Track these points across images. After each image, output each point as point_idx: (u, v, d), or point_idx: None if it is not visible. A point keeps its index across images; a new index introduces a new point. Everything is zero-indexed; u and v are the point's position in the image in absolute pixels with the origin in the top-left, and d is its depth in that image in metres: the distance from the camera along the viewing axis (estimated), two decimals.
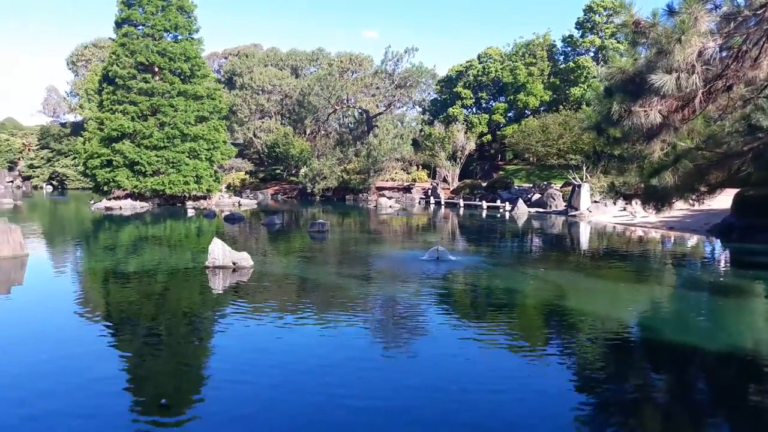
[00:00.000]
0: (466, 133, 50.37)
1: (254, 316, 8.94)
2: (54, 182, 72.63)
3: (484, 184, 45.52)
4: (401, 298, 10.43)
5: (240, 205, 38.41)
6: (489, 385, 6.11)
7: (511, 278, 12.62)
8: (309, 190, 48.44)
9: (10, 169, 76.03)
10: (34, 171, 74.26)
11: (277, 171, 56.15)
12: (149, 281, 12.05)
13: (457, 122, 51.95)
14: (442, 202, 42.41)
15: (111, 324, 8.73)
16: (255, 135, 59.14)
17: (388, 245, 19.28)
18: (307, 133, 61.35)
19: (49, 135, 73.57)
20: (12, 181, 74.20)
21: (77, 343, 7.60)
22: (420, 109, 63.84)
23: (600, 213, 29.62)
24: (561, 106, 48.57)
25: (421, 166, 52.84)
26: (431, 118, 58.01)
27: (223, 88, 48.19)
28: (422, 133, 54.48)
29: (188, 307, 9.92)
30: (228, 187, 49.03)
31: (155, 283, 11.90)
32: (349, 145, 52.51)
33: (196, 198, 37.88)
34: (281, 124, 60.25)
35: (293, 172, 53.62)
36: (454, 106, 54.81)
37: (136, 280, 12.26)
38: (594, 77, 46.16)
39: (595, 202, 31.23)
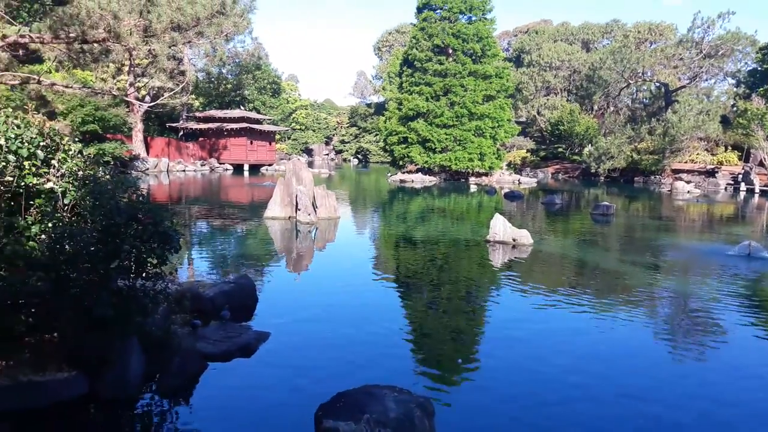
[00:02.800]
0: None
1: (530, 294, 9.05)
2: (359, 156, 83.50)
3: None
4: (696, 294, 9.32)
5: (519, 183, 38.56)
6: None
7: None
8: (592, 170, 45.91)
9: (327, 143, 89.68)
10: (344, 146, 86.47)
11: (559, 149, 54.49)
12: (434, 249, 13.12)
13: None
14: (757, 190, 35.89)
15: (400, 283, 9.85)
16: (539, 113, 58.30)
17: (683, 235, 17.27)
18: (595, 109, 58.03)
19: (356, 114, 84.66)
20: (328, 154, 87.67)
21: (372, 295, 8.86)
22: (733, 82, 54.77)
23: None
24: None
25: (730, 147, 45.43)
26: (748, 91, 49.21)
27: (511, 66, 48.41)
28: (735, 108, 46.60)
29: (468, 276, 10.51)
30: (508, 164, 49.56)
31: (439, 251, 12.89)
32: (642, 122, 47.96)
33: (478, 174, 39.32)
34: (567, 100, 58.13)
35: (576, 150, 51.44)
36: None
37: (423, 246, 13.48)
38: None
39: None
